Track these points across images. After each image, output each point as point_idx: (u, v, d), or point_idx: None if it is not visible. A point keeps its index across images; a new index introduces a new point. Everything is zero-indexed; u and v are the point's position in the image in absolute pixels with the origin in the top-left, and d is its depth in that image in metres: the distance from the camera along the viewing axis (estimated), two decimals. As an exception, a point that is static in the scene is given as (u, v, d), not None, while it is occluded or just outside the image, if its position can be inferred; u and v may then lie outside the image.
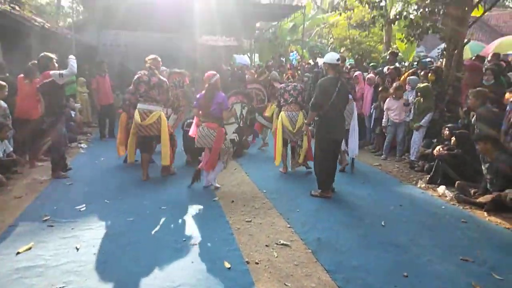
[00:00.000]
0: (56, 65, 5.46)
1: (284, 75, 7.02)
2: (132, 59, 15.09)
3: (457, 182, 4.98)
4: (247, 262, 3.16)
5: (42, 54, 5.45)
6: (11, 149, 5.49)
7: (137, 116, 5.13)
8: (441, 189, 5.13)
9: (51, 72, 5.23)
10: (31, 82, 5.89)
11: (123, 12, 11.34)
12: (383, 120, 7.15)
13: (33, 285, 2.77)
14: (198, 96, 5.11)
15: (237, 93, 5.71)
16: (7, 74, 6.40)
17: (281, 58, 15.95)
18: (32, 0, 18.15)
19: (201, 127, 4.97)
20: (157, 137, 5.32)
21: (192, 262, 3.15)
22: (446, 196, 4.96)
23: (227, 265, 3.10)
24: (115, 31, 15.27)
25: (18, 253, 3.21)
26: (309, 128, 5.63)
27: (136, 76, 5.22)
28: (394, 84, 7.00)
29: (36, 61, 5.85)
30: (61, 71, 5.27)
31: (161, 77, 5.29)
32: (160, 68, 5.47)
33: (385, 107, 7.04)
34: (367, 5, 8.24)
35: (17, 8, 7.06)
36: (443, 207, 4.63)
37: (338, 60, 4.77)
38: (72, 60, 5.39)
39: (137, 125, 5.20)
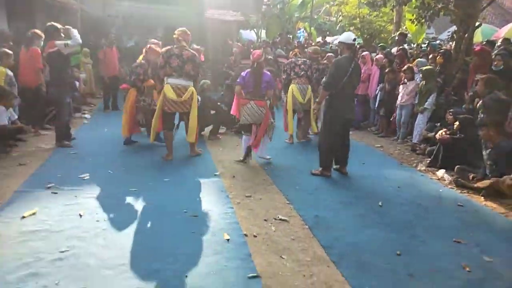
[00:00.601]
0: (62, 35, 5.44)
1: (291, 52, 7.07)
2: (137, 30, 14.98)
3: (456, 167, 5.00)
4: (245, 235, 3.24)
5: (49, 23, 5.47)
6: (16, 117, 5.55)
7: (170, 92, 4.86)
8: (441, 172, 5.17)
9: (57, 42, 5.24)
10: (27, 51, 5.89)
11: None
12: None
13: (38, 247, 2.87)
14: (243, 74, 5.16)
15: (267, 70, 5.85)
16: (11, 43, 6.39)
17: (288, 36, 15.74)
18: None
19: (250, 105, 5.07)
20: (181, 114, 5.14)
21: (192, 232, 3.24)
22: (445, 180, 5.00)
23: (226, 236, 3.18)
24: (120, 2, 15.07)
25: (23, 217, 3.31)
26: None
27: (164, 49, 4.99)
28: (405, 66, 6.91)
29: (35, 30, 5.86)
30: (67, 41, 5.26)
31: (193, 51, 5.10)
32: (189, 42, 5.19)
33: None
34: (379, -16, 8.06)
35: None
36: (441, 190, 4.67)
37: (354, 40, 4.80)
38: (74, 31, 5.39)
39: (169, 102, 4.92)
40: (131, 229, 3.25)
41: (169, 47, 5.00)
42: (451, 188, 4.77)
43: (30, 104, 6.02)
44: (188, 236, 3.18)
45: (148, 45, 5.79)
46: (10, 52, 5.63)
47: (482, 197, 4.42)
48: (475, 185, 4.62)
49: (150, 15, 15.93)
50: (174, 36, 5.05)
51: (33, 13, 9.74)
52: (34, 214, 3.40)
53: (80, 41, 5.48)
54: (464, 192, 4.62)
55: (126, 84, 6.12)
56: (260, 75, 5.11)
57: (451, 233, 3.49)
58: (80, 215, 3.42)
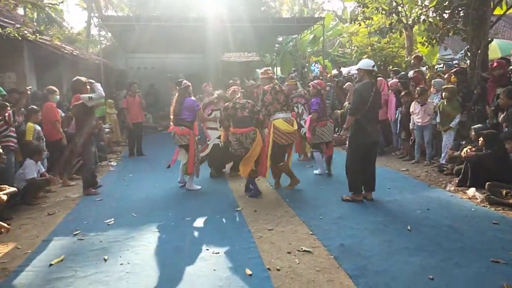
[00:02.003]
0: (88, 88, 5.72)
1: (287, 83, 7.37)
2: (158, 80, 15.70)
3: (487, 183, 4.78)
4: (269, 269, 3.16)
5: (75, 78, 5.71)
6: (44, 169, 5.78)
7: (284, 125, 5.25)
8: (471, 191, 4.95)
9: (81, 95, 5.47)
10: (43, 106, 6.26)
11: (148, 37, 11.79)
12: (410, 124, 7.04)
13: (63, 294, 2.90)
14: (317, 101, 6.08)
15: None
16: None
17: (304, 70, 16.02)
18: (65, 31, 19.25)
19: (329, 124, 6.21)
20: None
21: (214, 270, 3.19)
22: (476, 198, 4.77)
23: (249, 272, 3.12)
24: (142, 55, 15.94)
25: (50, 265, 3.38)
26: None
27: (268, 87, 5.43)
28: (418, 88, 6.88)
29: (49, 86, 6.36)
30: (91, 95, 5.52)
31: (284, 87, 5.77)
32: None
33: (410, 111, 6.95)
34: (384, 12, 8.19)
35: (46, 38, 7.55)
36: (473, 209, 4.45)
37: (373, 66, 4.95)
38: (98, 85, 5.67)
39: (284, 134, 5.25)
40: (154, 271, 3.23)
41: (270, 85, 5.47)
42: (484, 206, 4.54)
43: (55, 156, 6.28)
44: (210, 274, 3.13)
45: (233, 87, 5.83)
46: (38, 108, 5.98)
47: (519, 213, 4.18)
48: (510, 201, 4.38)
49: (169, 64, 16.73)
50: (268, 75, 5.66)
51: (59, 70, 10.44)
52: (61, 261, 3.46)
53: (103, 94, 5.76)
54: (499, 209, 4.38)
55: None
56: (324, 99, 6.27)
57: (487, 253, 3.29)
58: (105, 260, 3.45)
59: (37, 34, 6.66)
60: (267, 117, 5.39)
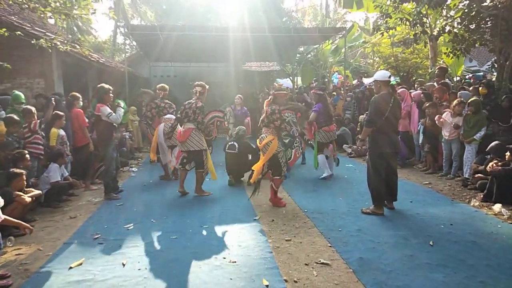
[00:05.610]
0: (112, 95, 5.81)
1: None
2: (181, 88, 15.93)
3: (515, 200, 4.62)
4: (286, 281, 3.12)
5: (99, 85, 5.79)
6: (67, 173, 5.92)
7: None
8: (497, 207, 4.77)
9: (101, 108, 5.55)
10: (70, 112, 6.41)
11: (171, 46, 12.02)
12: (443, 132, 6.81)
13: (82, 297, 2.94)
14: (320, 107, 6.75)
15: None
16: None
17: (325, 79, 15.96)
18: (92, 39, 19.87)
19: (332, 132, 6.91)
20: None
21: (230, 279, 3.17)
22: (503, 215, 4.60)
23: (265, 282, 3.08)
24: (165, 63, 16.25)
25: (70, 268, 3.43)
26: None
27: None
28: (456, 101, 6.61)
29: (73, 93, 6.52)
30: (110, 113, 5.54)
31: None
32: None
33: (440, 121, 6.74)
34: (408, 23, 8.09)
35: (77, 46, 7.79)
36: (499, 226, 4.29)
37: (389, 77, 4.90)
38: (120, 110, 5.78)
39: None
40: (171, 277, 3.24)
41: None
42: (511, 223, 4.36)
43: (79, 160, 6.42)
44: (226, 282, 3.11)
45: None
46: (62, 113, 6.12)
47: (549, 232, 4.00)
48: (539, 219, 4.20)
49: (191, 73, 17.00)
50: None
51: (85, 76, 10.77)
52: (80, 264, 3.51)
53: (120, 120, 5.79)
54: (527, 227, 4.20)
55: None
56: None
57: (514, 273, 3.15)
58: (123, 264, 3.49)
59: (69, 45, 6.87)
60: None
